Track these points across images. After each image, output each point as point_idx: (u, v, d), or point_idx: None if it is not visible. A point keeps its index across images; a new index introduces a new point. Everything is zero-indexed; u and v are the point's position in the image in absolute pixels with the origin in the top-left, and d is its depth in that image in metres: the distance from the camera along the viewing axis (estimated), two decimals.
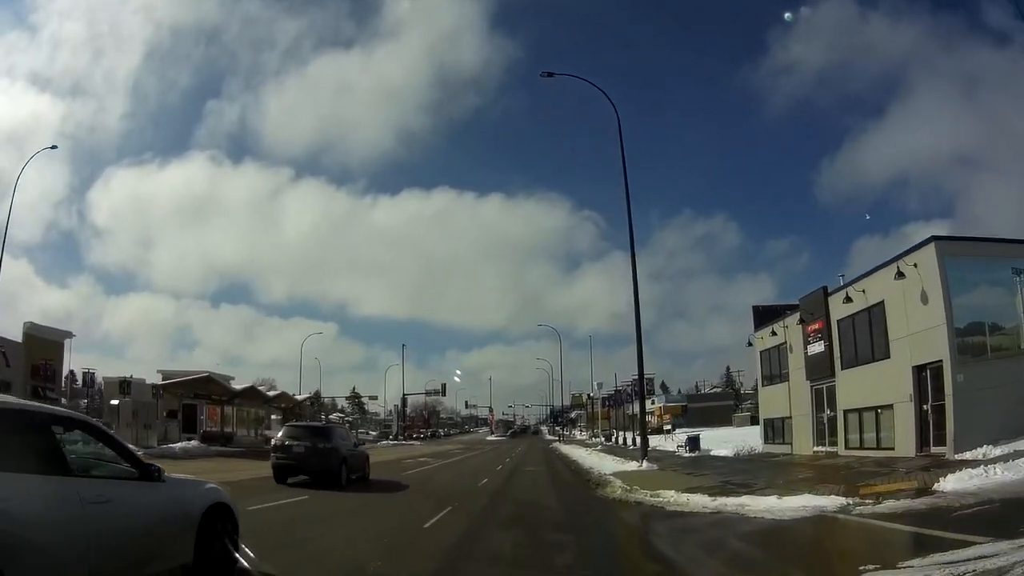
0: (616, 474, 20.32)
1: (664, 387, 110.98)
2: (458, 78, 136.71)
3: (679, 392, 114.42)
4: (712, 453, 29.29)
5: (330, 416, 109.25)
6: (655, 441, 48.55)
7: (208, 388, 36.01)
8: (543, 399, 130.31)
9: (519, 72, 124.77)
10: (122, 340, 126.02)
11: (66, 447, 4.29)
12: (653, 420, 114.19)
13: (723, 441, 34.33)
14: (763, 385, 29.08)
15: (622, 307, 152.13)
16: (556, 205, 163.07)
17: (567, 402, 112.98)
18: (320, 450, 15.69)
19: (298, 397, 47.99)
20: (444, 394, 70.50)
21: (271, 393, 42.30)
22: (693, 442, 30.40)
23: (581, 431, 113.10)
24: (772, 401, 27.84)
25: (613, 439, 59.40)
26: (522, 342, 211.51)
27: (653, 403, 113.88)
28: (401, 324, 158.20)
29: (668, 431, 61.20)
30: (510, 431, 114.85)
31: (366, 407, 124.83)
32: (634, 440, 48.22)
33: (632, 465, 22.84)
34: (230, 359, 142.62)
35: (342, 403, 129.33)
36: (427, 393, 72.37)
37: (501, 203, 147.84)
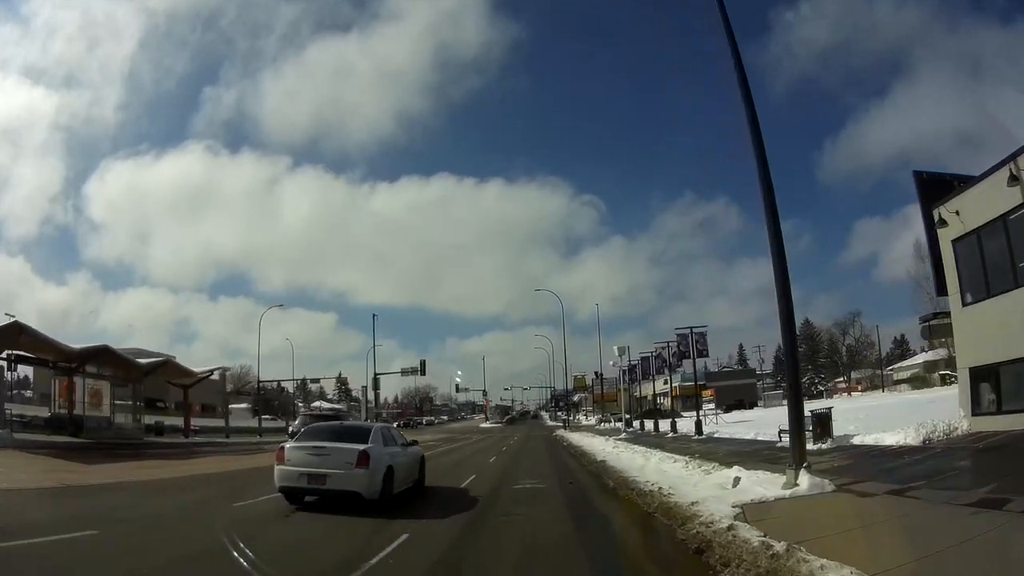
0: (768, 519, 6.65)
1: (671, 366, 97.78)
2: (459, 60, 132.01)
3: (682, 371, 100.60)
4: (864, 441, 15.42)
5: (317, 403, 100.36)
6: (685, 425, 35.11)
7: (19, 343, 22.11)
8: (542, 382, 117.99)
9: (521, 53, 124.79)
10: (120, 335, 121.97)
11: (394, 436, 11.60)
12: (667, 401, 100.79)
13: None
14: (967, 303, 14.82)
15: (622, 291, 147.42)
16: (557, 189, 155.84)
17: (570, 385, 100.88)
18: None
19: (199, 371, 33.88)
20: (423, 373, 56.69)
21: (145, 361, 28.20)
22: (822, 423, 16.32)
23: (587, 416, 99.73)
24: (994, 329, 13.74)
25: (638, 424, 45.65)
26: (521, 328, 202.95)
27: (666, 382, 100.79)
28: (400, 312, 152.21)
29: (710, 411, 47.34)
30: (507, 417, 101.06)
31: (354, 393, 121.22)
32: (673, 426, 34.36)
33: (767, 483, 9.20)
34: (229, 351, 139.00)
35: (327, 391, 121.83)
36: (403, 372, 58.57)
37: (501, 188, 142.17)
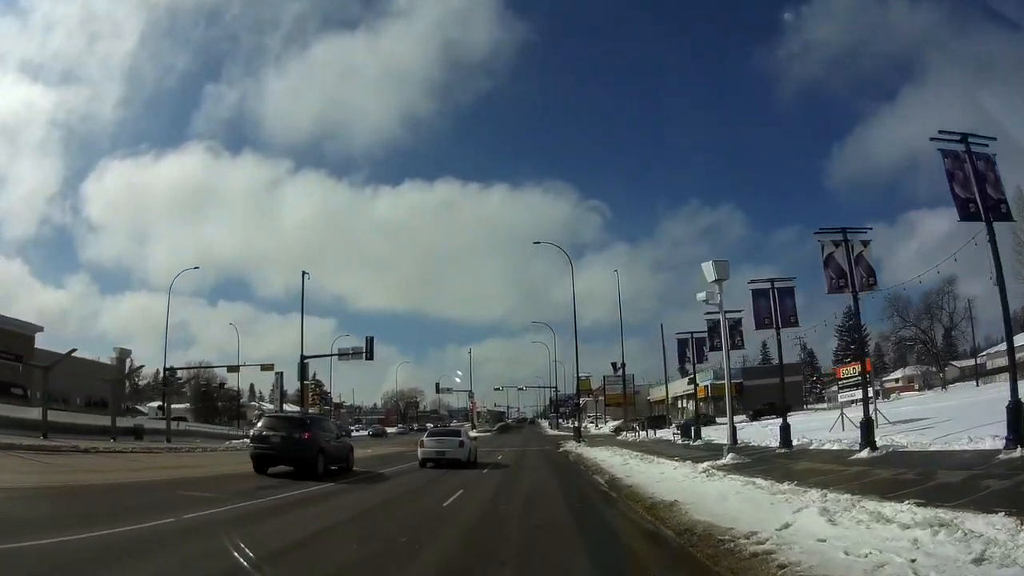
0: None
1: (683, 369, 78.61)
2: (468, 61, 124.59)
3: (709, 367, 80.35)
4: None
5: (270, 406, 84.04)
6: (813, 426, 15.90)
7: None
8: (543, 392, 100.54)
9: (531, 55, 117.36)
10: (118, 339, 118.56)
11: (468, 434, 23.96)
12: (689, 403, 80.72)
13: None
14: None
15: (624, 298, 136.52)
16: (562, 195, 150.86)
17: (571, 387, 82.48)
18: (296, 440, 14.75)
19: None
20: (370, 356, 37.22)
21: None
22: None
23: (596, 423, 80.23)
24: None
25: (701, 434, 26.28)
26: (522, 335, 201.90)
27: (690, 382, 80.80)
28: (400, 317, 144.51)
29: (855, 400, 27.81)
30: (499, 424, 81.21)
31: (330, 396, 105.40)
32: (787, 438, 14.84)
33: None
34: (228, 356, 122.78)
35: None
36: (340, 355, 38.97)
37: (506, 193, 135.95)
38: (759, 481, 10.31)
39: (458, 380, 73.91)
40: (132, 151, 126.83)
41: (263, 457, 14.81)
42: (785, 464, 13.39)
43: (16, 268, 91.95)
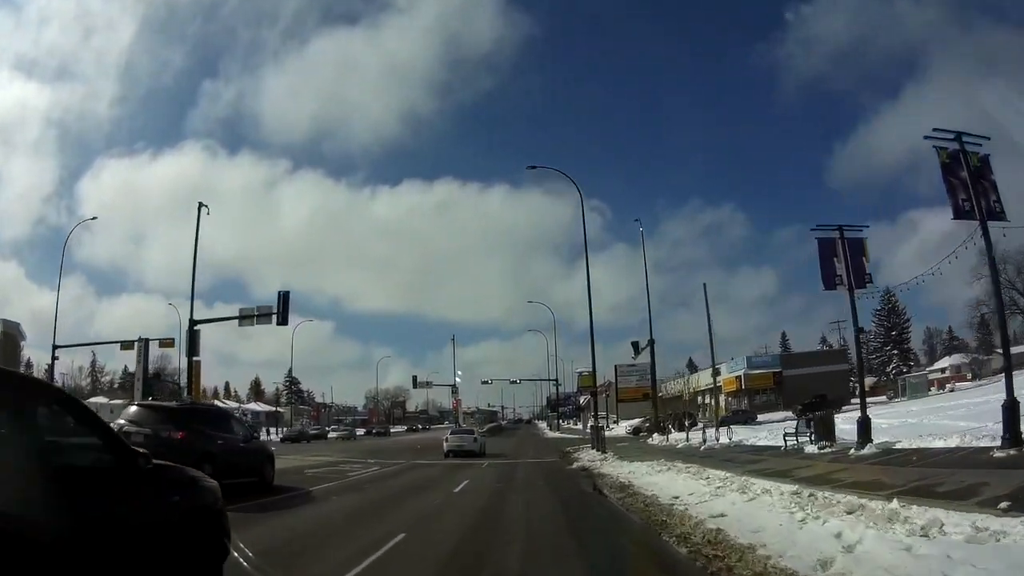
0: None
1: (691, 364, 66.98)
2: (469, 57, 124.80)
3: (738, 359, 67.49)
4: None
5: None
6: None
7: None
8: (539, 393, 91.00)
9: (531, 53, 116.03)
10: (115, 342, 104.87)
11: (479, 432, 31.51)
12: (710, 399, 67.74)
13: None
14: None
15: (622, 299, 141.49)
16: (562, 196, 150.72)
17: (571, 388, 71.10)
18: (164, 440, 9.65)
19: None
20: (283, 320, 24.88)
21: None
22: None
23: (607, 424, 67.51)
24: None
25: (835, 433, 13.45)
26: (520, 336, 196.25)
27: (719, 373, 67.96)
28: (398, 319, 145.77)
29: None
30: (489, 425, 68.47)
31: (309, 395, 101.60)
32: None
33: None
34: (223, 358, 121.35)
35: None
36: (240, 319, 25.99)
37: (506, 194, 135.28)
38: None
39: (458, 380, 62.27)
40: (128, 150, 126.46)
41: None
42: None
43: (11, 270, 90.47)
